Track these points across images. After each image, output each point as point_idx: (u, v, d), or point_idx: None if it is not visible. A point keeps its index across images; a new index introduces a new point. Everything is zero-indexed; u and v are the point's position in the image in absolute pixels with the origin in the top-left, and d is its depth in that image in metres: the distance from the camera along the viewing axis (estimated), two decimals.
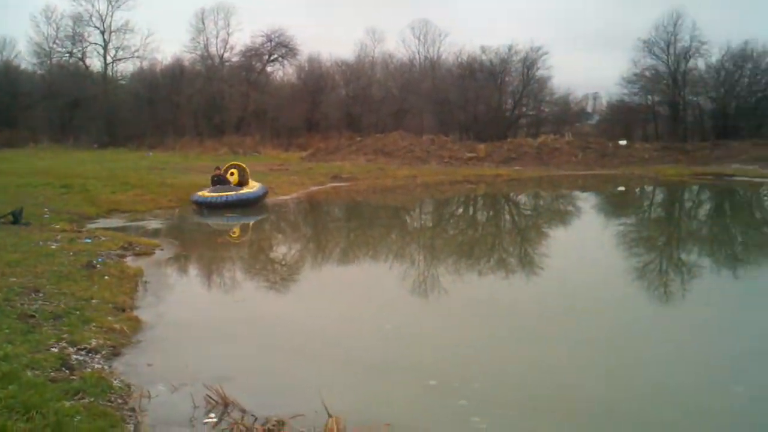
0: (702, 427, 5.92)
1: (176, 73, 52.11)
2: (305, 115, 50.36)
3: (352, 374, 6.93)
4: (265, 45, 53.31)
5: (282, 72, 56.34)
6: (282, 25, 60.88)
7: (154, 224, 17.10)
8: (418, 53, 56.24)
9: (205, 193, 19.43)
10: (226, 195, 19.23)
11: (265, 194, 21.16)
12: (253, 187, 20.77)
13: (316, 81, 51.75)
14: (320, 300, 10.41)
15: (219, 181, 20.32)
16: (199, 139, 46.76)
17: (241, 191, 19.94)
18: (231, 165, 21.95)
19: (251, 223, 18.77)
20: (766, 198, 27.08)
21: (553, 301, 10.15)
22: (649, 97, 49.22)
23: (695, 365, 7.30)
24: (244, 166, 21.85)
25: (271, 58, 54.33)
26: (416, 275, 12.14)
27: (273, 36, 52.70)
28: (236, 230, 17.82)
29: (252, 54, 53.40)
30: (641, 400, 6.26)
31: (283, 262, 13.86)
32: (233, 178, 20.93)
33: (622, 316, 9.37)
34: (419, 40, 55.84)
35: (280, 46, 53.43)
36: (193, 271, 12.73)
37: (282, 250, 15.65)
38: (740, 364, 7.26)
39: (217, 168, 21.16)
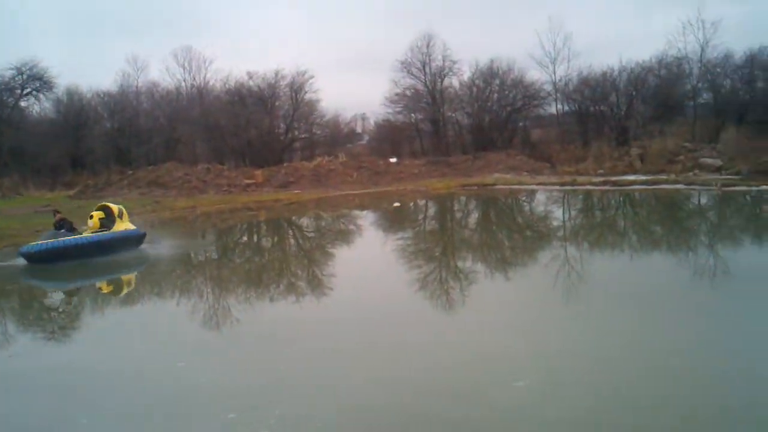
0: (489, 418, 6.44)
1: None
2: (69, 151, 47.58)
3: (146, 419, 6.72)
4: (16, 78, 49.50)
5: (38, 107, 52.75)
6: (35, 56, 57.07)
7: None
8: (185, 81, 55.20)
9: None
10: (47, 243, 16.52)
11: (123, 239, 18.10)
12: (109, 231, 17.91)
13: (77, 115, 49.07)
14: (104, 344, 9.94)
15: (61, 226, 17.53)
16: None
17: (69, 237, 17.01)
18: (99, 206, 18.82)
19: (22, 270, 17.21)
20: (524, 203, 29.70)
21: (345, 319, 10.52)
22: (413, 115, 52.33)
23: (481, 364, 7.93)
24: (113, 207, 18.60)
25: (24, 92, 50.60)
26: (205, 309, 11.95)
27: (24, 68, 49.09)
28: (2, 280, 16.31)
29: (2, 89, 49.36)
30: (437, 402, 6.72)
31: (60, 309, 13.03)
32: (92, 222, 17.82)
33: (411, 325, 9.90)
34: (184, 67, 54.82)
35: (33, 80, 49.87)
36: None
37: (58, 296, 14.68)
38: (520, 362, 8.00)
39: (57, 212, 18.47)
